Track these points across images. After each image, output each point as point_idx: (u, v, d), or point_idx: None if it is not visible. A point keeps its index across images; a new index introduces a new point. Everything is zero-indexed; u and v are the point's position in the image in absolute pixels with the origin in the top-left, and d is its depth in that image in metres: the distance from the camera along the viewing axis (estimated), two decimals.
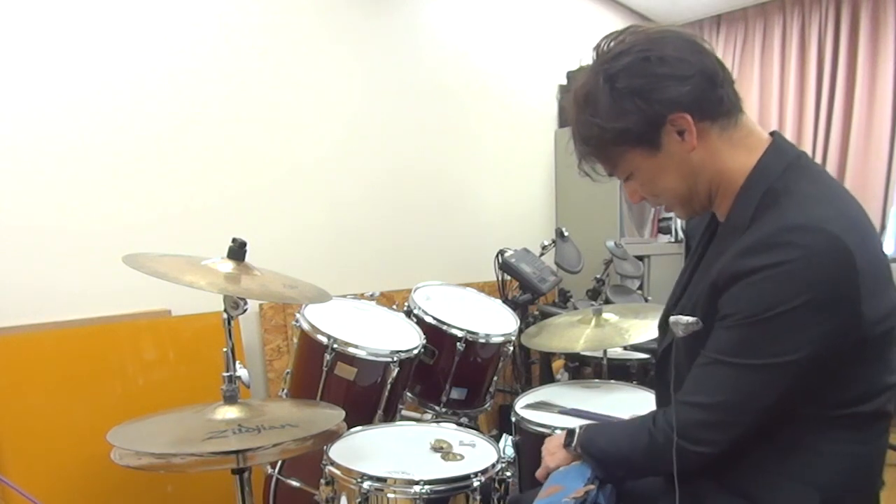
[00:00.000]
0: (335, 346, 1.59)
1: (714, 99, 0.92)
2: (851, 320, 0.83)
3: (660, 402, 1.15)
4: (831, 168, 3.73)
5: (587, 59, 1.01)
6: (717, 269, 0.90)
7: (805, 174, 0.92)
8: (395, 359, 1.65)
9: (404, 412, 1.89)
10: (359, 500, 1.24)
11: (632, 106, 0.91)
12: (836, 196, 0.90)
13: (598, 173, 1.05)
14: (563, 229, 2.71)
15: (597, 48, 0.97)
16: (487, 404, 2.03)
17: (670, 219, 3.55)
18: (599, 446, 1.07)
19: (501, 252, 2.45)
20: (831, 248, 0.81)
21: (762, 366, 0.86)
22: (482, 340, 1.88)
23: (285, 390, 1.75)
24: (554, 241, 2.67)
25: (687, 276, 1.09)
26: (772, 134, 0.97)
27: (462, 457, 1.39)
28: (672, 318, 0.95)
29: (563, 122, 3.47)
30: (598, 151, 0.99)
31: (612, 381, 1.89)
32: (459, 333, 1.85)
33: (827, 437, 0.91)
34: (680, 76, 0.90)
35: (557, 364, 2.54)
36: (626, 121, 0.92)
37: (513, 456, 1.56)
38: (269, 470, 1.65)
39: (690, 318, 0.93)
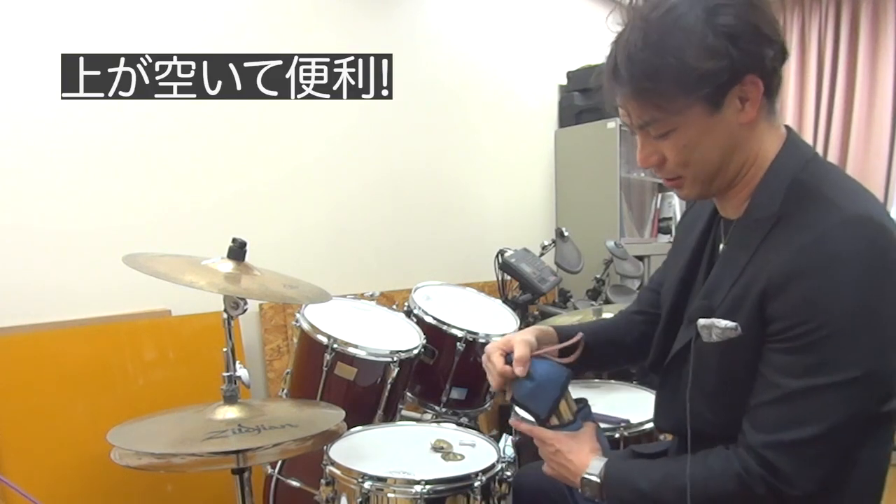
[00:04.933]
0: (335, 346, 1.59)
1: (779, 76, 0.86)
2: None
3: (663, 407, 1.04)
4: None
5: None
6: (767, 273, 0.80)
7: (829, 168, 0.88)
8: (395, 359, 1.65)
9: (404, 412, 1.89)
10: (359, 500, 1.23)
11: (724, 50, 0.78)
12: (866, 190, 0.85)
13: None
14: (563, 229, 2.71)
15: None
16: (487, 404, 2.03)
17: (670, 219, 3.56)
18: (640, 489, 0.90)
19: (501, 252, 2.44)
20: (892, 239, 0.77)
21: (863, 376, 0.76)
22: (482, 340, 1.87)
23: (285, 390, 1.75)
24: (554, 241, 2.67)
25: (698, 273, 1.00)
26: (785, 126, 0.92)
27: (462, 457, 1.39)
28: (704, 322, 0.87)
29: (563, 122, 3.47)
30: (657, 93, 0.82)
31: (612, 380, 1.90)
32: (459, 333, 1.84)
33: (868, 441, 0.82)
34: (770, 38, 0.82)
35: None
36: (712, 64, 0.79)
37: (513, 456, 1.55)
38: (269, 470, 1.65)
39: (729, 323, 0.84)
